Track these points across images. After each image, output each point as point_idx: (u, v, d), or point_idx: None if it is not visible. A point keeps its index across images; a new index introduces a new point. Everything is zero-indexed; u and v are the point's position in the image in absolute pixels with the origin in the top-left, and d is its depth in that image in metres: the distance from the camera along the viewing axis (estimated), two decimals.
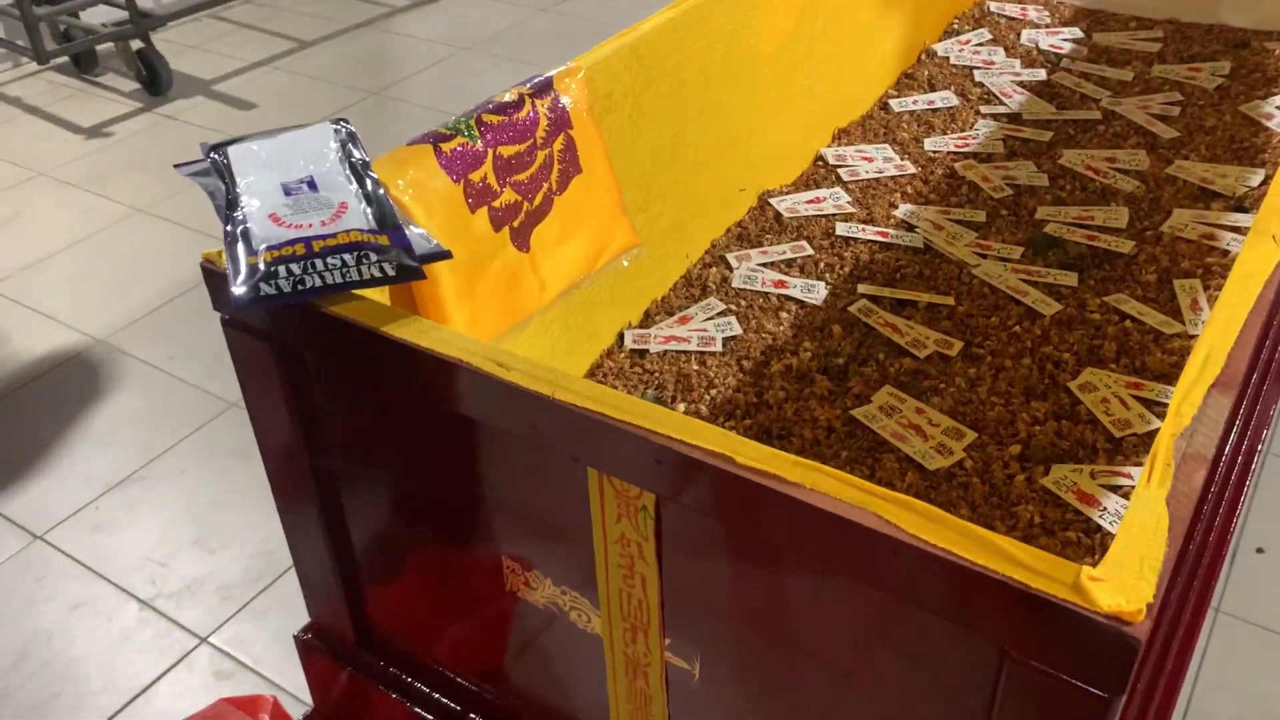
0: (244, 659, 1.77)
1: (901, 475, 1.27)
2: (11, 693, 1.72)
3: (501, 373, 0.79)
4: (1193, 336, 1.45)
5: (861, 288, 1.59)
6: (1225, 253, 1.61)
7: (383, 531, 1.06)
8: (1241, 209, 1.71)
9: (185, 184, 2.70)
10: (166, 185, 2.99)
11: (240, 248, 0.89)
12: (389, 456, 0.99)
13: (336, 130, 1.07)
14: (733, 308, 1.56)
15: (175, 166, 1.03)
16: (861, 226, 1.72)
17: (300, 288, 0.85)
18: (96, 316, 2.53)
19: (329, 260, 0.87)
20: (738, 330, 1.52)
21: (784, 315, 1.56)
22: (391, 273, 0.88)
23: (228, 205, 0.95)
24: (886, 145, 1.95)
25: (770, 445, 1.33)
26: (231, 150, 1.03)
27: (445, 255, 0.95)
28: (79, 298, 2.61)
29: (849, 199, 1.80)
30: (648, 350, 1.49)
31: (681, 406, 1.39)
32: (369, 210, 0.95)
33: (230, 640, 1.79)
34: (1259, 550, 1.73)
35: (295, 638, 1.21)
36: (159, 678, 1.76)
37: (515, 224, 1.17)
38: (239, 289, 0.85)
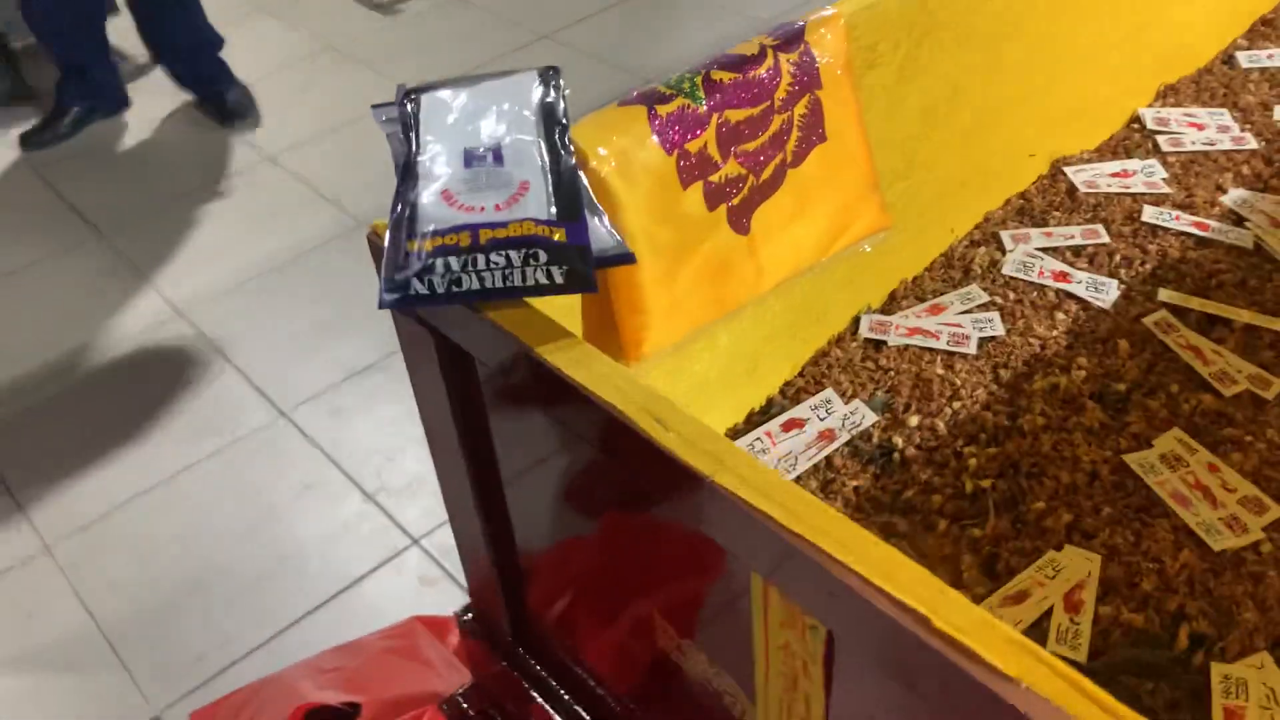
0: (450, 568, 1.77)
1: (1175, 549, 1.03)
2: (234, 566, 1.80)
3: (658, 433, 0.64)
4: None
5: (1163, 293, 1.30)
6: None
7: (543, 538, 0.96)
8: None
9: (463, 70, 2.70)
10: (446, 68, 2.98)
11: (403, 230, 0.78)
12: (552, 469, 0.87)
13: (543, 82, 0.93)
14: (998, 300, 1.33)
15: (372, 108, 0.93)
16: (1176, 213, 1.42)
17: (456, 289, 0.73)
18: (365, 201, 2.58)
19: (493, 257, 0.75)
20: (999, 330, 1.29)
21: (1060, 317, 1.31)
22: (559, 280, 0.74)
23: (404, 172, 0.84)
24: (1224, 110, 1.60)
25: (1017, 484, 1.13)
26: (425, 100, 0.91)
27: (628, 259, 0.80)
28: (350, 177, 2.66)
29: (1165, 175, 1.49)
30: (886, 342, 1.29)
31: (914, 419, 1.20)
32: (553, 191, 0.81)
33: (440, 547, 1.80)
34: None
35: (455, 615, 1.15)
36: (369, 572, 1.80)
37: (735, 201, 1.00)
38: (387, 285, 0.74)
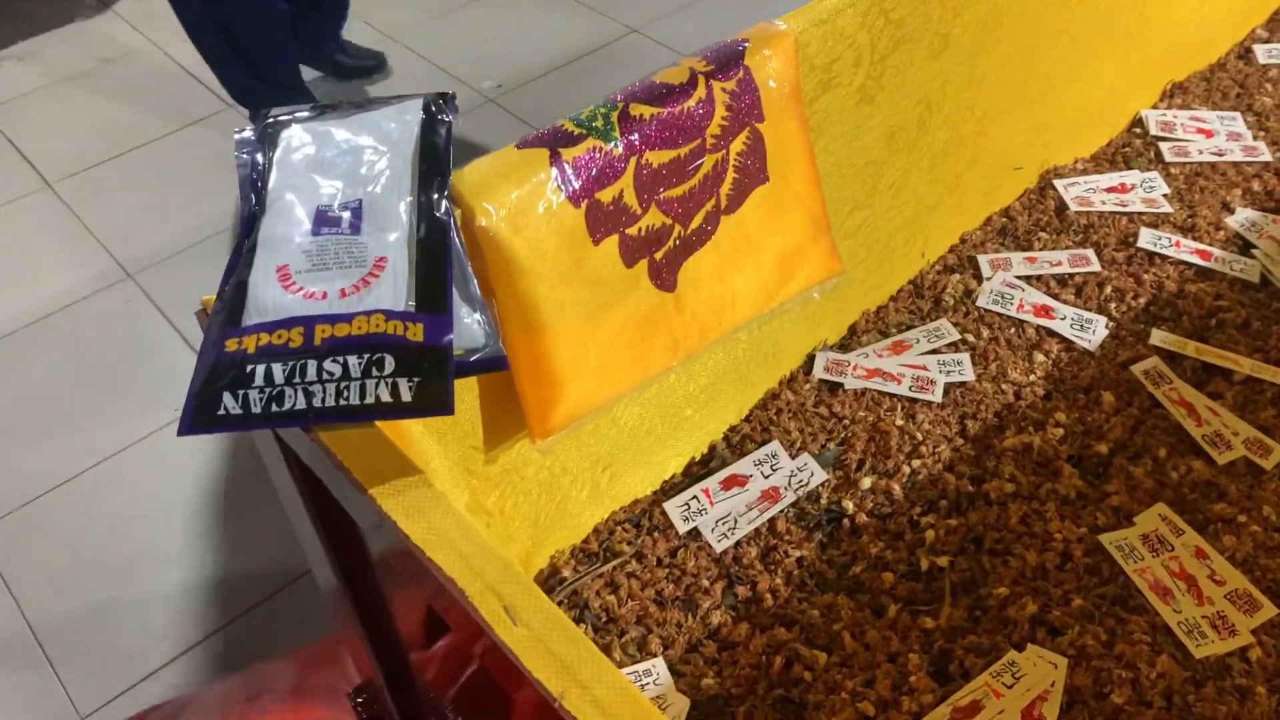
0: None
1: (1152, 654, 0.91)
2: (176, 553, 1.69)
3: (501, 628, 0.51)
4: None
5: (1156, 335, 1.17)
6: None
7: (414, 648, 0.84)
8: None
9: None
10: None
11: (222, 317, 0.64)
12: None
13: (427, 113, 0.79)
14: (970, 338, 1.19)
15: (235, 137, 0.78)
16: (1175, 238, 1.27)
17: (277, 408, 0.60)
18: None
19: (326, 365, 0.61)
20: (969, 375, 1.15)
21: (1040, 359, 1.17)
22: (407, 397, 0.61)
23: (245, 228, 0.71)
24: (1236, 115, 1.44)
25: (978, 563, 1.01)
26: (285, 135, 0.77)
27: (498, 365, 0.67)
28: None
29: (1167, 190, 1.34)
30: (842, 385, 1.16)
31: (868, 481, 1.07)
32: (415, 270, 0.67)
33: None
34: None
35: (348, 695, 1.03)
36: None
37: (659, 255, 0.86)
38: (193, 399, 0.60)
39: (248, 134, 0.77)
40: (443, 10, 2.94)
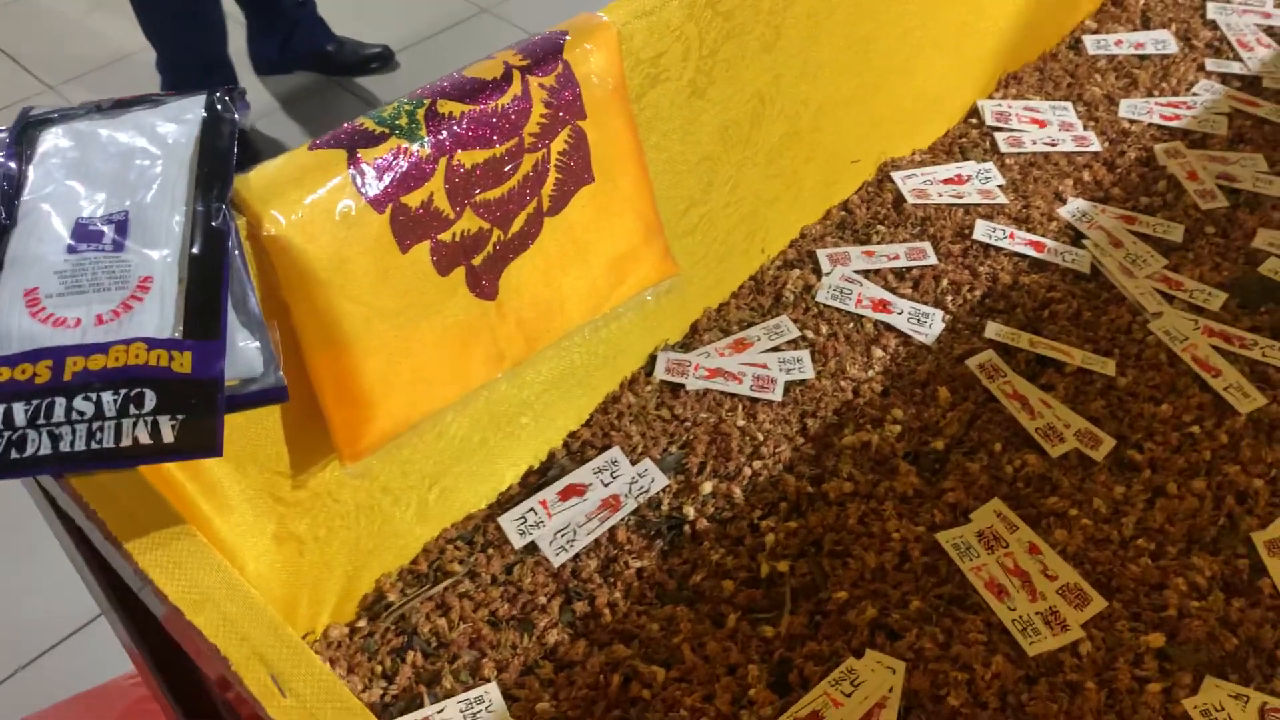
0: None
1: (988, 654, 0.91)
2: None
3: (268, 701, 0.46)
4: None
5: (992, 328, 1.17)
6: None
7: None
8: None
9: None
10: None
11: None
12: None
13: (210, 112, 0.71)
14: (809, 334, 1.17)
15: None
16: (1010, 230, 1.29)
17: (15, 455, 0.53)
18: None
19: (77, 404, 0.54)
20: (809, 373, 1.14)
21: (878, 354, 1.16)
22: (169, 437, 0.54)
23: None
24: (1068, 104, 1.47)
25: (819, 566, 1.00)
26: (43, 136, 0.69)
27: (279, 397, 0.61)
28: None
29: (1002, 181, 1.36)
30: (684, 386, 1.13)
31: (709, 485, 1.04)
32: (186, 291, 0.61)
33: None
34: None
35: None
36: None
37: (476, 261, 0.81)
38: None
39: (0, 134, 0.68)
40: None
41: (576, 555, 1.00)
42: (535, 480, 1.07)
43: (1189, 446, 1.06)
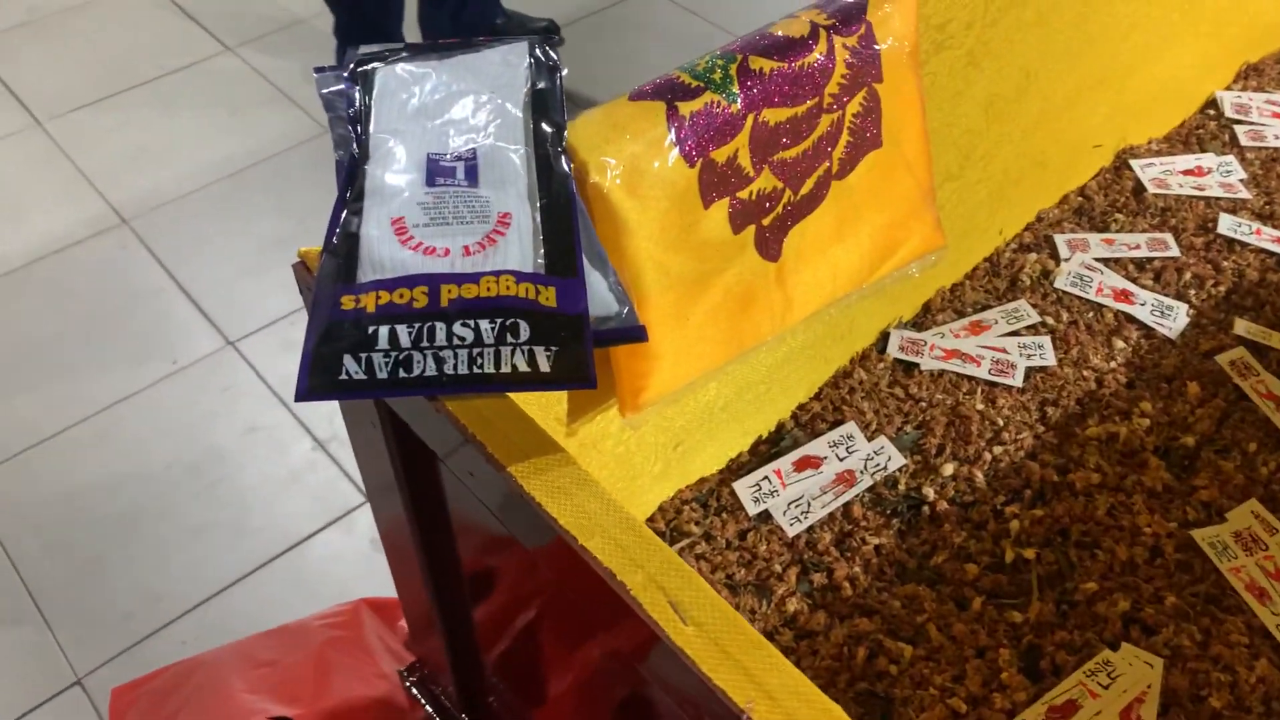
0: None
1: (1251, 658, 0.88)
2: (170, 513, 1.64)
3: (671, 626, 0.46)
4: None
5: (1240, 325, 1.13)
6: None
7: (506, 632, 0.79)
8: None
9: None
10: None
11: (336, 273, 0.58)
12: (526, 602, 0.69)
13: (535, 58, 0.72)
14: (1050, 320, 1.15)
15: (315, 73, 0.72)
16: (1256, 226, 1.23)
17: (405, 373, 0.54)
18: None
19: (456, 330, 0.56)
20: (1050, 359, 1.11)
21: (1120, 345, 1.13)
22: (545, 367, 0.55)
23: (345, 180, 0.64)
24: None
25: (1065, 556, 0.97)
26: (380, 76, 0.71)
27: (637, 335, 0.61)
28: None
29: (1244, 176, 1.30)
30: (918, 365, 1.11)
31: (949, 467, 1.02)
32: (542, 229, 0.62)
33: None
34: None
35: (400, 673, 0.99)
36: (317, 531, 1.64)
37: (767, 221, 0.81)
38: (310, 362, 0.55)
39: (337, 73, 0.70)
40: None
41: (811, 527, 1.00)
42: (766, 450, 1.06)
43: None
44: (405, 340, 0.55)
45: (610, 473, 0.92)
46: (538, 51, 0.73)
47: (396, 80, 0.70)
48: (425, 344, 0.55)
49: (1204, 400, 1.07)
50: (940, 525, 0.99)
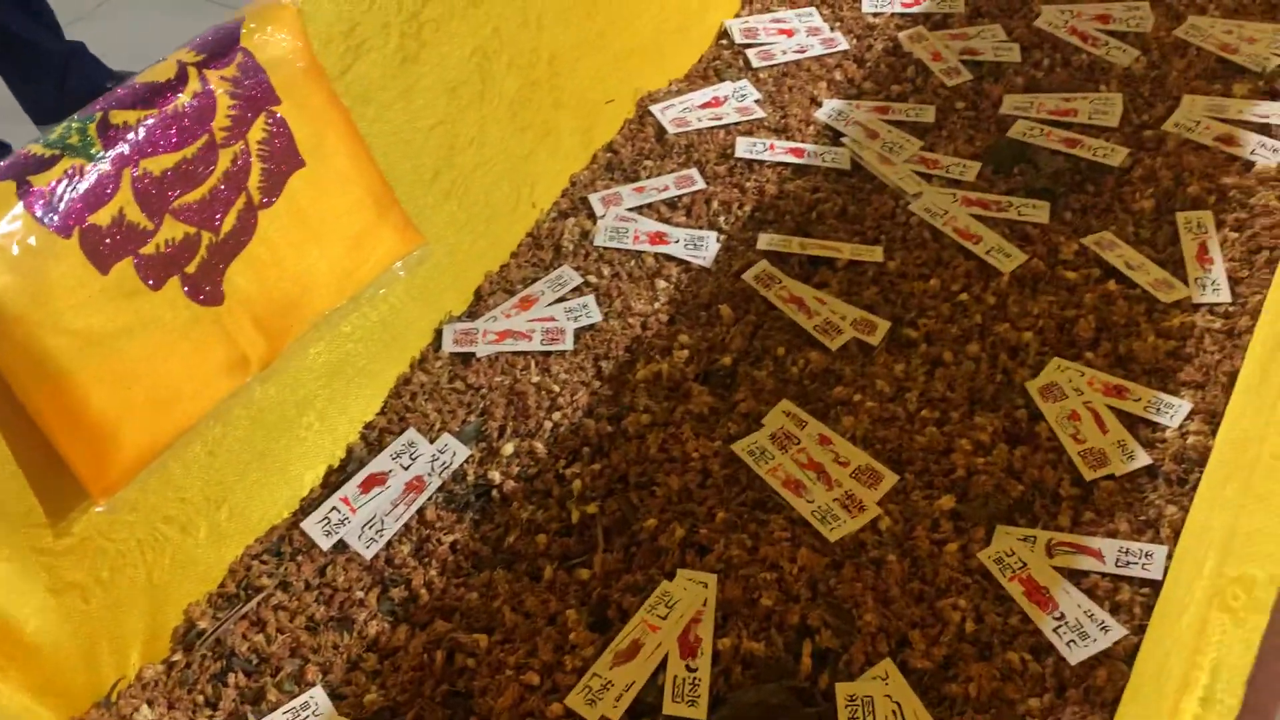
0: None
1: (793, 549, 0.94)
2: None
3: None
4: (1200, 305, 1.08)
5: (764, 239, 1.20)
6: (1249, 166, 1.20)
7: None
8: (1274, 93, 1.29)
9: None
10: None
11: None
12: None
13: None
14: (593, 278, 1.18)
15: None
16: (770, 142, 1.31)
17: None
18: None
19: None
20: (596, 316, 1.14)
21: (661, 285, 1.18)
22: None
23: None
24: (812, 10, 1.50)
25: (627, 501, 1.01)
26: None
27: None
28: None
29: (758, 96, 1.38)
30: (474, 354, 1.12)
31: (510, 446, 1.04)
32: None
33: None
34: None
35: None
36: None
37: (191, 269, 0.79)
38: None
39: None
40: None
41: (388, 543, 1.00)
42: (337, 479, 1.05)
43: (960, 314, 1.11)
44: None
45: (140, 558, 0.88)
46: None
47: None
48: None
49: (737, 319, 1.13)
50: (510, 505, 1.01)
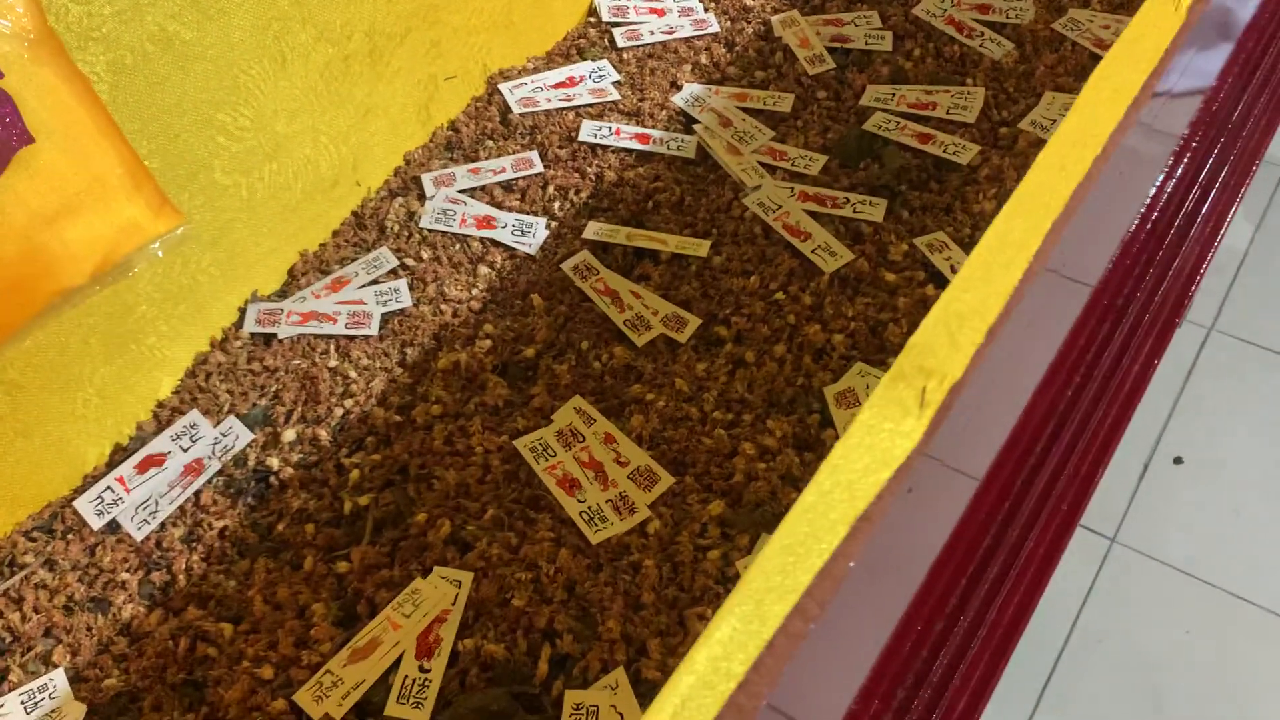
0: None
1: (554, 552, 0.91)
2: None
3: None
4: None
5: (591, 227, 1.17)
6: None
7: None
8: None
9: None
10: None
11: None
12: None
13: None
14: (410, 261, 1.16)
15: None
16: (616, 127, 1.27)
17: None
18: None
19: None
20: (406, 301, 1.12)
21: (484, 271, 1.15)
22: None
23: None
24: None
25: (404, 494, 0.98)
26: None
27: None
28: None
29: (617, 78, 1.34)
30: (276, 335, 1.10)
31: (291, 432, 1.02)
32: None
33: None
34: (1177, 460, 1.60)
35: None
36: None
37: None
38: None
39: None
40: None
41: (161, 526, 0.98)
42: (121, 458, 1.03)
43: (774, 314, 1.07)
44: None
45: None
46: None
47: None
48: None
49: (548, 310, 1.10)
50: (285, 492, 0.99)
